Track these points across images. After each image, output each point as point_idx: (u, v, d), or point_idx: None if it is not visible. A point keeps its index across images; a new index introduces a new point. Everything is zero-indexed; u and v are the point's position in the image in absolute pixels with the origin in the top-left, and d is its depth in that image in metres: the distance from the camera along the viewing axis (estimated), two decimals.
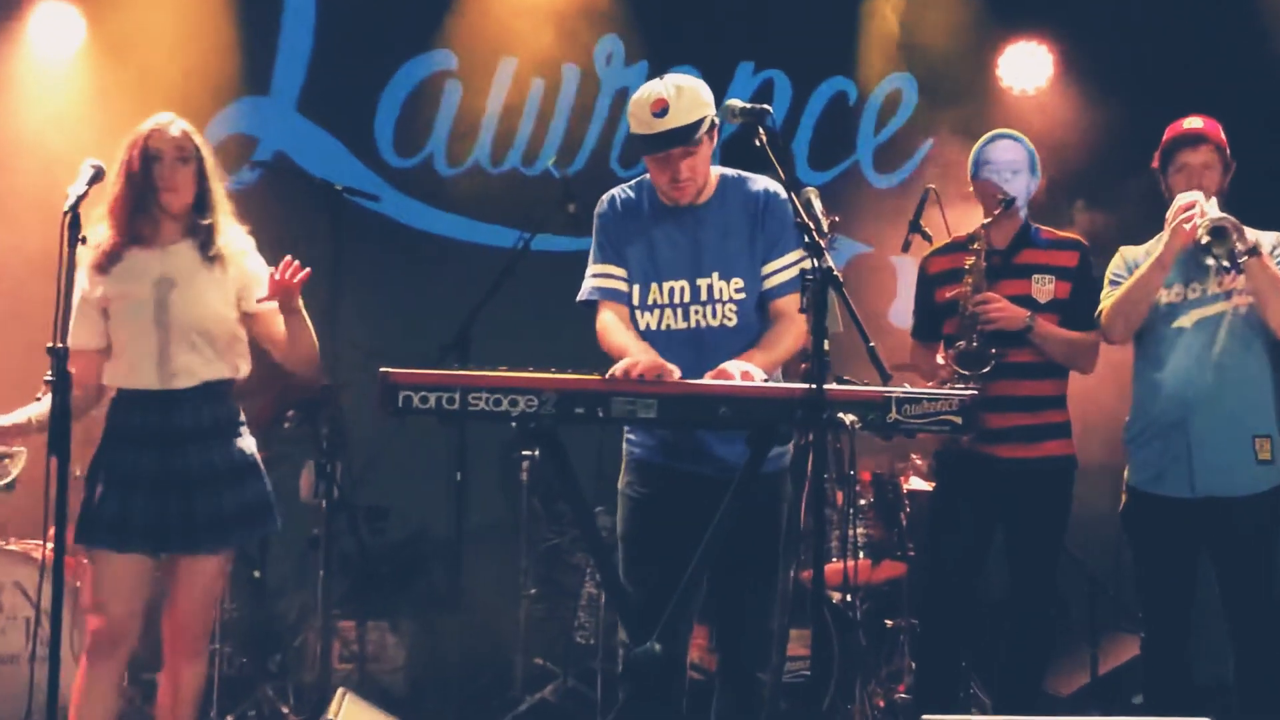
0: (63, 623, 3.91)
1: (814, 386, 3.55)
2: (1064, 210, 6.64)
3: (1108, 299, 4.72)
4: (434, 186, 7.38)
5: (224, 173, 4.48)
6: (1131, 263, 4.73)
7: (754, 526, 3.95)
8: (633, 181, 4.19)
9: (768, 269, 4.05)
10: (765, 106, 3.90)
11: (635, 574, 4.03)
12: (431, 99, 7.35)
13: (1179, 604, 4.63)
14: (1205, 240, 4.43)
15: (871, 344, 3.66)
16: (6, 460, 5.50)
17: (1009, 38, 7.40)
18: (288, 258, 4.20)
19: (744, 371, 3.77)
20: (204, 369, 4.28)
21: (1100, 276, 4.84)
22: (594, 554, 4.16)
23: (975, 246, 4.92)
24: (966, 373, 4.77)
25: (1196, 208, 4.48)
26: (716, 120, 3.99)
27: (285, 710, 5.79)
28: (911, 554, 5.86)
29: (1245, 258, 4.39)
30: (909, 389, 3.69)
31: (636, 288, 4.09)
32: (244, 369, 4.39)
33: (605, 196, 4.19)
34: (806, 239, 3.67)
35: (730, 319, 4.02)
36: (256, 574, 6.07)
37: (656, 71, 4.45)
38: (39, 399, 4.30)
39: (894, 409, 3.65)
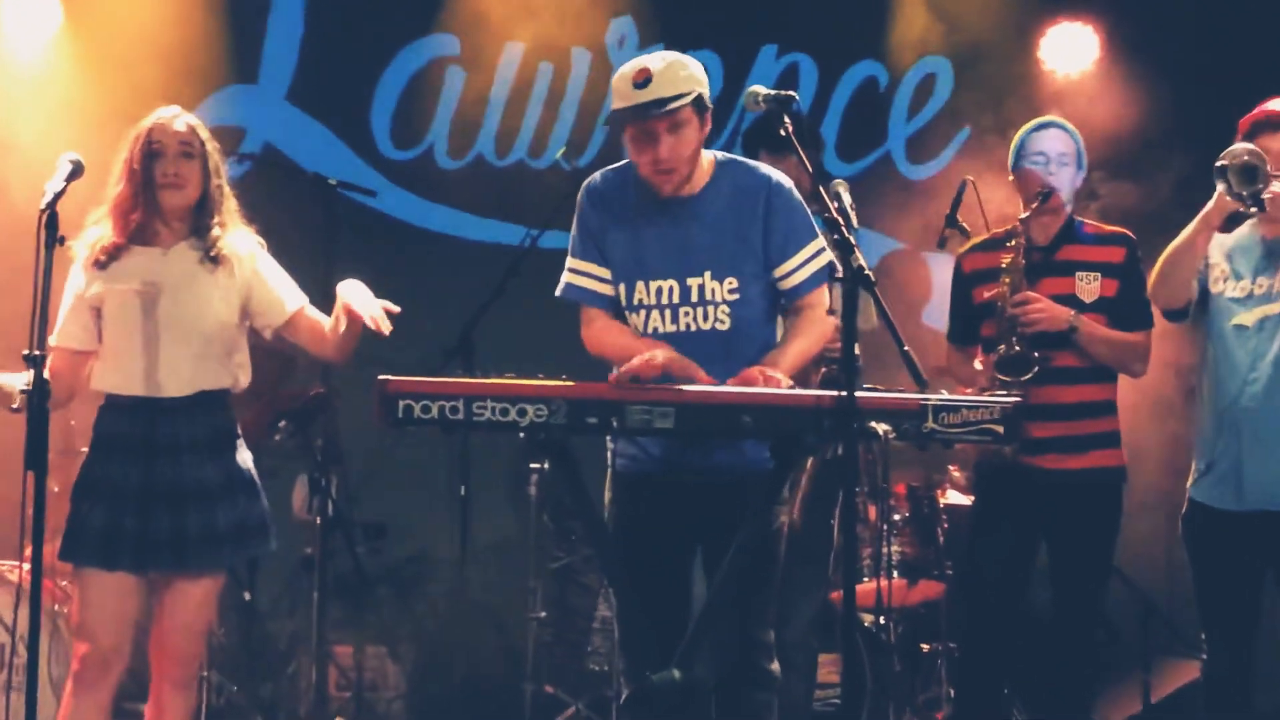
0: (40, 650, 3.90)
1: (844, 394, 3.53)
2: (1108, 202, 6.62)
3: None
4: (434, 180, 7.38)
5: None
6: None
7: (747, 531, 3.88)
8: (619, 164, 4.09)
9: (783, 269, 3.94)
10: (791, 93, 3.90)
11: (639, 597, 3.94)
12: (431, 87, 7.35)
13: (1240, 625, 4.59)
14: (1224, 165, 4.37)
15: (906, 348, 3.64)
16: None
17: (1051, 18, 7.34)
18: (387, 304, 4.19)
19: (769, 377, 3.74)
20: (198, 377, 4.26)
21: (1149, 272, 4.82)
22: (608, 574, 4.15)
23: (1012, 244, 4.89)
24: (1007, 379, 4.75)
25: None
26: (709, 104, 3.91)
27: None
28: (949, 573, 5.84)
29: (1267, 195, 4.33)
30: (947, 396, 3.69)
31: (621, 286, 4.00)
32: (243, 380, 4.37)
33: (587, 180, 4.11)
34: (836, 236, 3.65)
35: (723, 322, 3.92)
36: (246, 596, 6.06)
37: None
38: (15, 409, 4.23)
39: (931, 418, 3.64)
